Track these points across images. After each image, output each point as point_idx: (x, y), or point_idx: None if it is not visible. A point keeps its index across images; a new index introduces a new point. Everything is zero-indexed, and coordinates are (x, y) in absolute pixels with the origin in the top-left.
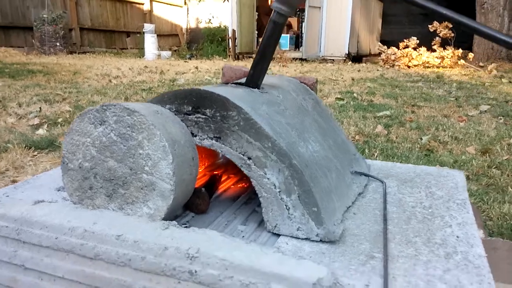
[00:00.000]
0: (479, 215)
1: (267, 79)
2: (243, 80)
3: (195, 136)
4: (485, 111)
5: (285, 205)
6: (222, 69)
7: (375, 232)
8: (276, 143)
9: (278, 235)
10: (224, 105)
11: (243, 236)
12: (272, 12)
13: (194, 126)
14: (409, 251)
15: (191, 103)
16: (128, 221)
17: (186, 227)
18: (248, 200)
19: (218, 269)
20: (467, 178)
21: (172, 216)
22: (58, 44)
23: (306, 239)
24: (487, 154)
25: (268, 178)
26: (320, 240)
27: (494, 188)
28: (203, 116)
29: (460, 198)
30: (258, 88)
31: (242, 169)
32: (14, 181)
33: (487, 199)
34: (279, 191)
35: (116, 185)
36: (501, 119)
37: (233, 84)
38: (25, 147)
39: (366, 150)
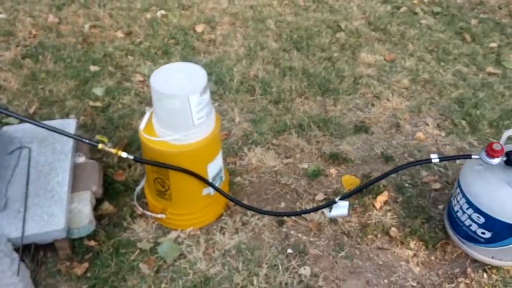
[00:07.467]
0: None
1: None
2: None
3: None
4: None
5: None
6: None
7: (22, 194)
8: None
9: None
10: None
11: None
12: None
13: None
14: (35, 201)
15: None
16: None
17: None
18: None
19: None
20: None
21: None
22: None
23: None
24: (130, 37)
25: None
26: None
27: (35, 84)
28: None
29: (68, 148)
30: None
31: None
32: None
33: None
34: None
35: None
36: None
37: None
38: None
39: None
